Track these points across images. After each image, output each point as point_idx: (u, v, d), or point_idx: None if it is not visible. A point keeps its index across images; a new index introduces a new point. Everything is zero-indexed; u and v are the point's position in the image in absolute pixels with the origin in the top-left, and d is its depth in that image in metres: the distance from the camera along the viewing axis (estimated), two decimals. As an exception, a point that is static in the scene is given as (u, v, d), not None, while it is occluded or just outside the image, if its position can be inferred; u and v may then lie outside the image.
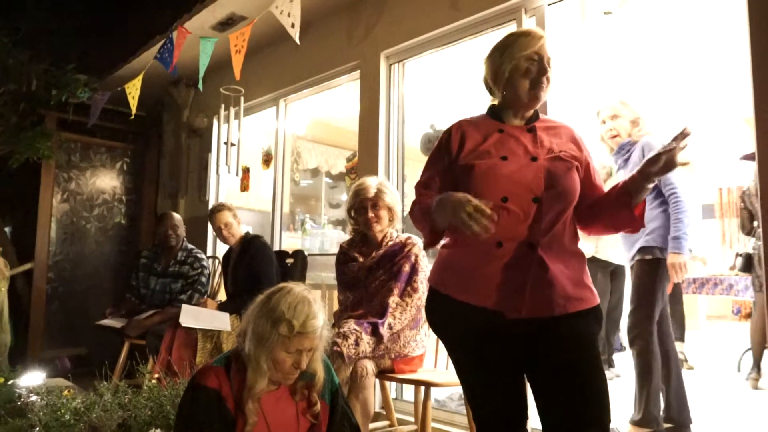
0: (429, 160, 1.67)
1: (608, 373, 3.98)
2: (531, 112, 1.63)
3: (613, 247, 3.94)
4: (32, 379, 2.78)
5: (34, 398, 2.39)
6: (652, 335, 2.64)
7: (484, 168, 1.52)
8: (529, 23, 2.82)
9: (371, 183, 2.67)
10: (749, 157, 4.22)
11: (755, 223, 3.89)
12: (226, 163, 4.11)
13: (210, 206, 4.69)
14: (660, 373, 2.65)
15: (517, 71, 1.57)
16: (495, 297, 1.47)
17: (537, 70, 1.55)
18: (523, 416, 1.56)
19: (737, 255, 4.09)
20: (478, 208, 1.31)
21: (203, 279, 3.90)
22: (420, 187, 1.64)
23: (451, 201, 1.37)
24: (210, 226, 4.17)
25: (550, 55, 1.58)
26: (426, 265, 2.65)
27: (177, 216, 4.07)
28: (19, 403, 2.46)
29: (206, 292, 3.93)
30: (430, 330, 2.71)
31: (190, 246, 4.04)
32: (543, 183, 1.47)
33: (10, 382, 2.68)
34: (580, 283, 1.51)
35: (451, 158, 1.60)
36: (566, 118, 1.78)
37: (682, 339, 4.50)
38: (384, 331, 2.42)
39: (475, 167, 1.53)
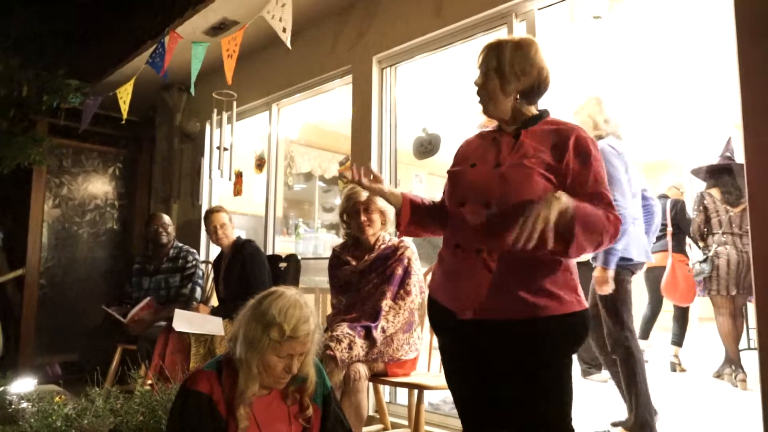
0: None
1: (599, 376, 4.00)
2: (517, 117, 1.62)
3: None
4: (23, 385, 2.76)
5: (25, 405, 2.37)
6: (629, 340, 2.67)
7: (453, 175, 1.67)
8: (519, 27, 2.84)
9: None
10: (697, 173, 4.35)
11: (714, 224, 3.94)
12: (219, 168, 4.11)
13: (203, 211, 4.69)
14: (646, 376, 2.67)
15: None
16: (452, 297, 1.58)
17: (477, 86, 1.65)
18: (499, 419, 1.58)
19: (697, 263, 4.10)
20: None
21: (200, 272, 3.93)
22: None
23: None
24: (203, 231, 4.18)
25: (487, 61, 1.61)
26: (418, 269, 2.66)
27: (166, 216, 4.13)
28: (10, 409, 2.44)
29: (204, 288, 3.95)
30: (423, 333, 2.74)
31: (180, 244, 4.09)
32: (497, 189, 1.50)
33: (0, 389, 2.66)
34: (539, 290, 1.47)
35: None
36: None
37: (679, 344, 4.54)
38: (377, 334, 2.42)
39: (449, 174, 1.69)
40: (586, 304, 1.55)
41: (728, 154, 4.07)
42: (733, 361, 3.95)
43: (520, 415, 1.51)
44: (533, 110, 1.64)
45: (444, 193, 1.72)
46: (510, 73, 1.58)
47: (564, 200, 1.37)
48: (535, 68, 1.59)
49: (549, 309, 1.47)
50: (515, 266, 1.49)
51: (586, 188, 1.49)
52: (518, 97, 1.61)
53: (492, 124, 1.72)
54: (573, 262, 1.56)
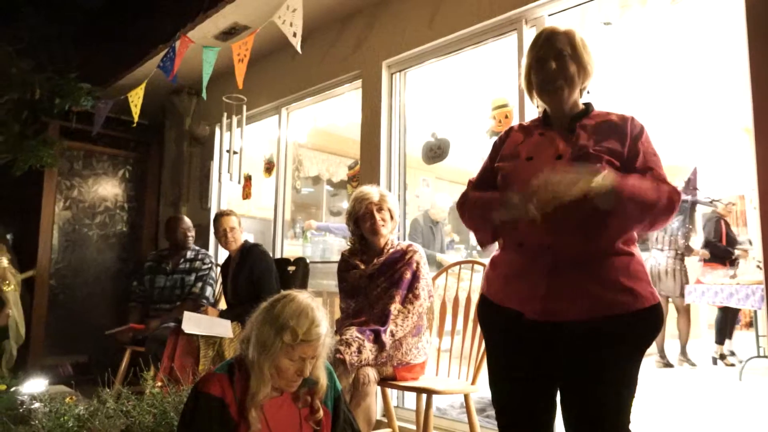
0: (484, 161, 1.72)
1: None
2: (571, 110, 1.58)
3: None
4: (35, 386, 2.78)
5: (36, 405, 2.39)
6: None
7: (509, 169, 1.55)
8: (529, 34, 2.85)
9: (373, 189, 2.70)
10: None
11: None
12: (228, 171, 4.13)
13: (212, 214, 4.72)
14: None
15: (531, 79, 1.61)
16: (517, 297, 1.49)
17: (543, 71, 1.56)
18: (545, 421, 1.54)
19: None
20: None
21: (213, 274, 3.99)
22: (469, 182, 1.69)
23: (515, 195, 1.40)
24: (212, 233, 4.20)
25: (563, 47, 1.54)
26: (427, 273, 2.66)
27: (188, 219, 4.24)
28: (21, 410, 2.46)
29: (215, 290, 3.99)
30: (432, 337, 2.74)
31: (197, 247, 4.17)
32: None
33: (12, 389, 2.68)
34: (617, 285, 1.41)
35: (494, 160, 1.65)
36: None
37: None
38: (386, 338, 2.42)
39: (501, 170, 1.57)
40: (659, 297, 1.49)
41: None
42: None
43: (583, 418, 1.43)
44: (581, 106, 1.62)
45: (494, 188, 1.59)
46: (588, 63, 1.58)
47: (602, 179, 1.33)
48: (594, 66, 1.60)
49: (625, 305, 1.40)
50: (586, 261, 1.42)
51: (638, 166, 1.46)
52: (582, 89, 1.60)
53: (501, 130, 1.71)
54: (640, 254, 1.51)
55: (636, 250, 1.50)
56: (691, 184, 5.21)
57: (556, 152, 1.50)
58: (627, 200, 1.36)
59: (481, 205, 1.57)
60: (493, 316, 1.59)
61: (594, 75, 1.61)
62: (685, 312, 4.98)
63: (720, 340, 5.06)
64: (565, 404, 1.48)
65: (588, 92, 1.65)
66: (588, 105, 1.62)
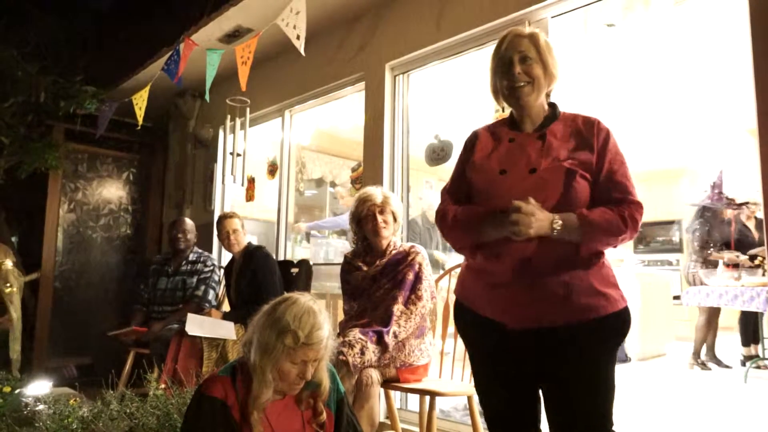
0: (454, 167, 1.72)
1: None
2: (540, 114, 1.60)
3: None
4: (39, 387, 2.79)
5: (41, 407, 2.40)
6: None
7: (483, 183, 1.56)
8: (532, 35, 2.84)
9: (376, 191, 2.70)
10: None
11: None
12: (232, 173, 4.14)
13: (215, 216, 4.73)
14: None
15: (498, 81, 1.61)
16: (497, 308, 1.52)
17: (508, 74, 1.56)
18: (531, 423, 1.58)
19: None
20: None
21: (215, 277, 3.99)
22: (445, 193, 1.68)
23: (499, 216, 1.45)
24: (215, 236, 4.21)
25: (527, 50, 1.55)
26: (429, 274, 2.66)
27: (189, 222, 4.20)
28: (26, 411, 2.47)
29: (218, 293, 3.99)
30: (435, 339, 2.74)
31: (200, 250, 4.16)
32: (540, 195, 1.44)
33: (17, 391, 2.69)
34: (591, 290, 1.46)
35: (464, 166, 1.65)
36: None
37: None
38: (389, 339, 2.42)
39: (475, 183, 1.58)
40: (627, 300, 1.53)
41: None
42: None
43: (568, 417, 1.49)
44: (547, 108, 1.63)
45: (473, 200, 1.61)
46: (552, 66, 1.58)
47: (560, 227, 1.42)
48: (559, 69, 1.60)
49: (600, 309, 1.46)
50: (562, 270, 1.46)
51: (604, 175, 1.51)
52: (548, 93, 1.61)
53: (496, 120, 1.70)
54: (609, 260, 1.56)
55: (605, 257, 1.55)
56: (716, 188, 5.14)
57: (529, 164, 1.51)
58: (592, 236, 1.44)
59: (463, 224, 1.57)
60: (473, 325, 1.62)
61: (559, 78, 1.61)
62: (714, 315, 4.93)
63: (746, 342, 5.02)
64: (549, 407, 1.53)
65: (549, 96, 1.66)
66: (554, 107, 1.63)
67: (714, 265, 4.83)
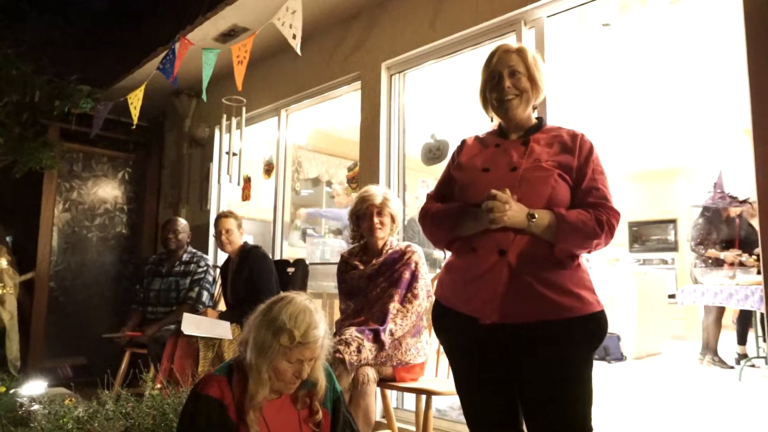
0: (442, 172, 1.79)
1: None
2: (527, 125, 1.68)
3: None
4: (34, 387, 2.78)
5: (36, 407, 2.39)
6: None
7: (466, 180, 1.64)
8: (528, 35, 2.85)
9: (377, 191, 2.71)
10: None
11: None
12: (228, 173, 4.14)
13: (211, 216, 4.73)
14: None
15: (488, 93, 1.69)
16: (471, 303, 1.55)
17: (497, 88, 1.65)
18: (511, 424, 1.59)
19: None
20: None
21: (209, 277, 3.97)
22: (430, 195, 1.75)
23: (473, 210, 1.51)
24: (212, 235, 4.21)
25: (516, 65, 1.63)
26: (426, 273, 2.66)
27: (182, 221, 4.17)
28: (20, 411, 2.46)
29: (213, 293, 3.98)
30: (432, 338, 2.74)
31: (194, 250, 4.13)
32: (518, 191, 1.49)
33: (11, 391, 2.68)
34: (565, 290, 1.49)
35: (450, 170, 1.74)
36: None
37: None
38: (385, 337, 2.43)
39: (459, 181, 1.65)
40: (602, 305, 1.55)
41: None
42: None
43: (545, 418, 1.50)
44: (534, 120, 1.72)
45: (454, 198, 1.68)
46: (539, 80, 1.66)
47: (536, 222, 1.47)
48: (545, 83, 1.68)
49: (574, 310, 1.48)
50: (537, 267, 1.49)
51: (584, 183, 1.56)
52: (535, 106, 1.70)
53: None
54: (585, 264, 1.59)
55: (581, 260, 1.58)
56: (718, 188, 5.18)
57: (511, 164, 1.59)
58: (567, 235, 1.48)
59: (441, 218, 1.65)
60: (448, 322, 1.64)
61: (545, 92, 1.69)
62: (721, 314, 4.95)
63: (742, 341, 5.04)
64: (524, 405, 1.55)
65: (536, 109, 1.74)
66: (540, 120, 1.72)
67: (719, 264, 4.85)
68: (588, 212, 1.50)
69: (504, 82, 1.63)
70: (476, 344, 1.57)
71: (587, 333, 1.50)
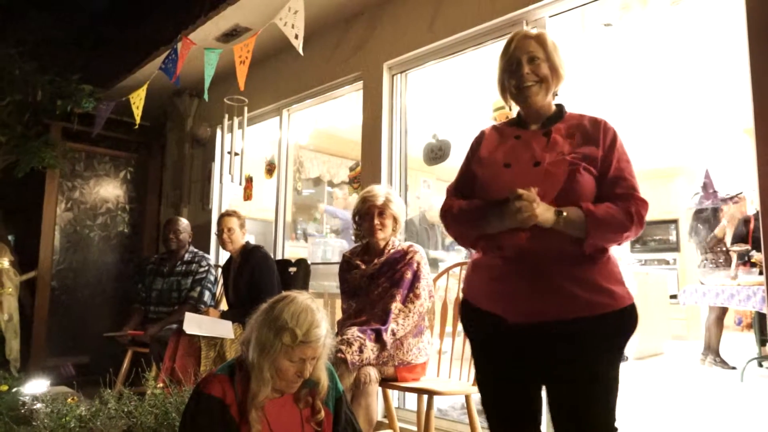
0: (461, 165, 1.74)
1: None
2: (546, 113, 1.62)
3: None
4: (36, 386, 2.79)
5: (38, 406, 2.40)
6: None
7: (487, 176, 1.58)
8: (530, 35, 2.85)
9: (380, 191, 2.71)
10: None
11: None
12: (230, 173, 4.14)
13: (213, 215, 4.74)
14: None
15: (506, 81, 1.63)
16: (498, 301, 1.52)
17: (516, 74, 1.59)
18: (532, 419, 1.57)
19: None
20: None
21: (211, 277, 3.97)
22: (450, 189, 1.71)
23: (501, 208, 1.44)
24: (213, 235, 4.21)
25: (535, 51, 1.59)
26: (427, 273, 2.66)
27: (183, 221, 4.17)
28: (23, 410, 2.47)
29: (215, 293, 3.98)
30: (433, 338, 2.74)
31: (195, 249, 4.14)
32: (543, 187, 1.44)
33: (14, 390, 2.69)
34: (596, 286, 1.45)
35: (470, 163, 1.68)
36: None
37: None
38: (387, 337, 2.43)
39: (479, 176, 1.60)
40: (633, 297, 1.52)
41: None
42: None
43: (574, 416, 1.47)
44: (554, 107, 1.66)
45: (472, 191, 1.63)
46: (560, 66, 1.61)
47: (563, 220, 1.42)
48: (565, 69, 1.63)
49: (605, 306, 1.44)
50: (565, 264, 1.45)
51: (610, 173, 1.52)
52: (555, 93, 1.64)
53: (500, 120, 1.72)
54: (615, 256, 1.55)
55: (611, 252, 1.54)
56: (709, 188, 5.17)
57: (533, 158, 1.54)
58: (596, 231, 1.43)
59: (464, 217, 1.59)
60: (475, 320, 1.63)
61: (566, 78, 1.64)
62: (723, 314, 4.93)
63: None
64: (551, 404, 1.52)
65: (556, 95, 1.68)
66: (560, 107, 1.66)
67: (728, 264, 4.84)
68: (616, 205, 1.46)
69: (522, 69, 1.58)
70: (500, 341, 1.54)
71: (618, 329, 1.48)
